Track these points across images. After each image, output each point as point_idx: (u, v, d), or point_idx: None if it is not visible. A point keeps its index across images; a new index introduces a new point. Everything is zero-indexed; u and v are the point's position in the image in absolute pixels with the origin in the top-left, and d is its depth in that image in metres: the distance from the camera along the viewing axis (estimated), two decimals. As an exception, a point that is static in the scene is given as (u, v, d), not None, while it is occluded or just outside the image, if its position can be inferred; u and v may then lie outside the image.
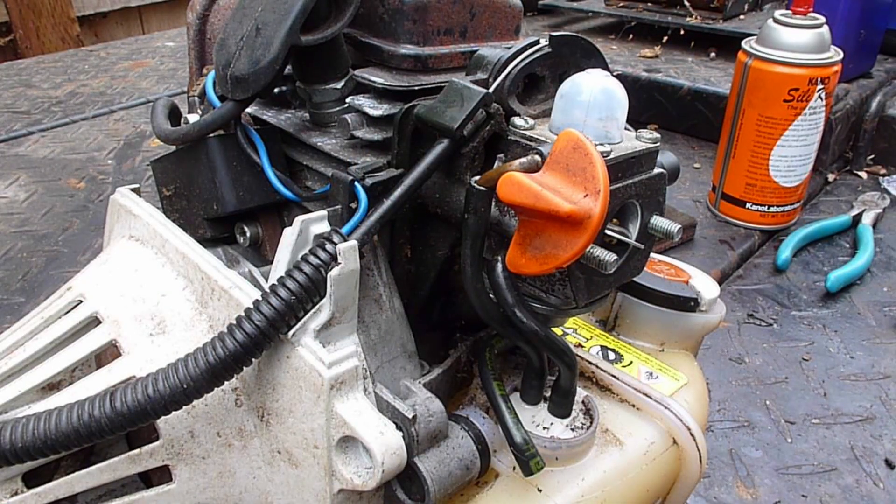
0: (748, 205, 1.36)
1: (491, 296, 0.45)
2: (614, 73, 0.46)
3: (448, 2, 0.54)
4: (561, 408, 0.53)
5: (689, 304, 0.65)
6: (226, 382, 0.43)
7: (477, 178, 0.43)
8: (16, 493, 0.47)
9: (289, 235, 0.46)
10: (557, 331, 0.65)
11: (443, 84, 0.48)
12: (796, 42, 1.24)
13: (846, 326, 1.15)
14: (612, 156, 0.43)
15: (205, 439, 0.49)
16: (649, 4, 2.05)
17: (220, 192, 0.54)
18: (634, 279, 0.58)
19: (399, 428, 0.44)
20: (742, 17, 1.98)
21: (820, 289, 1.23)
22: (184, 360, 0.42)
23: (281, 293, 0.42)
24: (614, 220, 0.46)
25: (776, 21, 1.27)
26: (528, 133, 0.46)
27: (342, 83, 0.55)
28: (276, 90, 0.60)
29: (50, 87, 2.02)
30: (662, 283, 0.65)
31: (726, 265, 1.28)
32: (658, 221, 0.46)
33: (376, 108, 0.52)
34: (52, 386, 0.50)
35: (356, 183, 0.47)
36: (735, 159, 1.34)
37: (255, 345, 0.42)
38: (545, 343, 0.47)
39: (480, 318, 0.47)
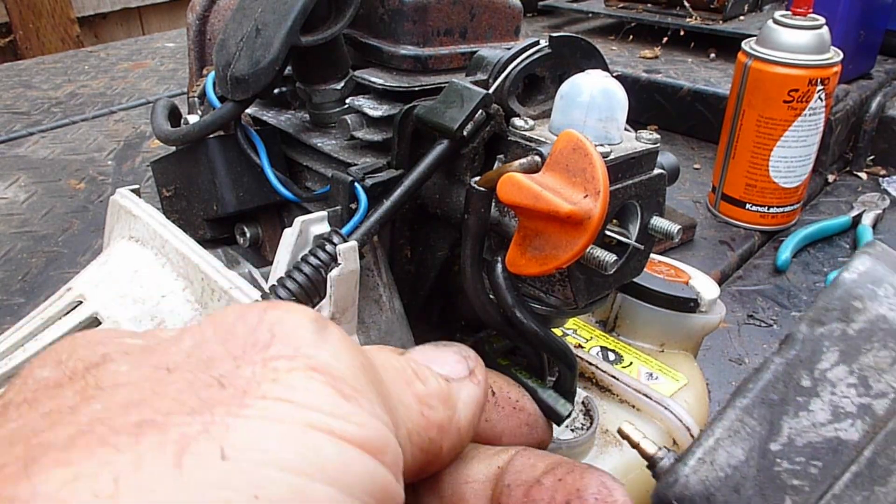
0: (748, 205, 1.36)
1: (491, 296, 0.45)
2: (614, 74, 0.46)
3: (448, 2, 0.54)
4: (561, 408, 0.53)
5: (689, 304, 0.65)
6: (226, 383, 0.43)
7: (477, 178, 0.43)
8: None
9: (289, 236, 0.46)
10: (557, 331, 0.65)
11: (443, 85, 0.48)
12: (796, 43, 1.24)
13: (846, 327, 1.15)
14: (611, 156, 0.43)
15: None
16: (649, 5, 2.05)
17: (219, 192, 0.54)
18: (634, 280, 0.58)
19: (399, 428, 0.44)
20: (742, 17, 1.98)
21: (820, 289, 1.23)
22: (184, 361, 0.42)
23: (281, 294, 0.42)
24: (614, 221, 0.46)
25: (776, 22, 1.27)
26: (527, 134, 0.46)
27: (342, 84, 0.55)
28: (276, 91, 0.60)
29: (50, 88, 2.02)
30: (662, 283, 0.65)
31: (726, 266, 1.28)
32: (658, 222, 0.46)
33: (376, 109, 0.53)
34: (51, 387, 0.50)
35: (356, 183, 0.47)
36: (735, 160, 1.34)
37: (254, 345, 0.42)
38: (545, 344, 0.47)
39: (480, 318, 0.47)
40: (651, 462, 0.37)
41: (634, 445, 0.39)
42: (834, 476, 0.29)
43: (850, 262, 0.31)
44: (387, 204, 0.46)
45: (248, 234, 0.58)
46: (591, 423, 0.53)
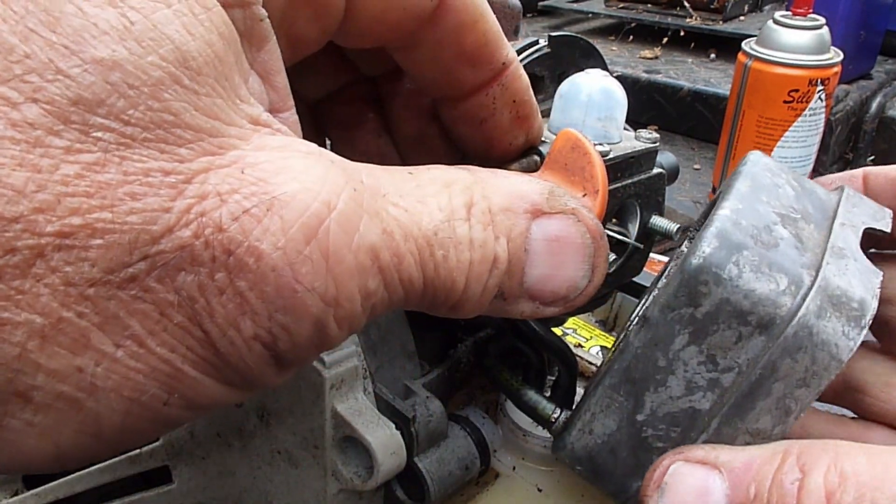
0: (748, 206, 1.36)
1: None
2: (614, 74, 0.46)
3: (447, 2, 0.54)
4: (561, 408, 0.53)
5: (688, 304, 0.65)
6: (225, 382, 0.43)
7: (476, 178, 0.43)
8: (16, 493, 0.48)
9: (288, 235, 0.46)
10: (557, 331, 0.65)
11: (442, 84, 0.48)
12: (796, 43, 1.24)
13: (846, 327, 1.15)
14: (610, 155, 0.43)
15: (204, 439, 0.49)
16: (649, 6, 2.05)
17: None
18: (634, 279, 0.58)
19: (399, 428, 0.44)
20: (742, 18, 1.99)
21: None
22: (184, 360, 0.42)
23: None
24: (613, 220, 0.46)
25: (776, 22, 1.27)
26: (527, 133, 0.46)
27: (342, 84, 0.55)
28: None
29: (51, 89, 2.02)
30: (662, 283, 0.65)
31: (726, 266, 1.28)
32: (657, 221, 0.46)
33: (376, 109, 0.53)
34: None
35: (356, 183, 0.47)
36: (735, 160, 1.34)
37: (254, 345, 0.42)
38: (544, 343, 0.47)
39: (480, 318, 0.47)
40: (546, 423, 0.43)
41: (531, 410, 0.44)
42: (691, 439, 0.34)
43: (698, 242, 0.34)
44: (386, 203, 0.46)
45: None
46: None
